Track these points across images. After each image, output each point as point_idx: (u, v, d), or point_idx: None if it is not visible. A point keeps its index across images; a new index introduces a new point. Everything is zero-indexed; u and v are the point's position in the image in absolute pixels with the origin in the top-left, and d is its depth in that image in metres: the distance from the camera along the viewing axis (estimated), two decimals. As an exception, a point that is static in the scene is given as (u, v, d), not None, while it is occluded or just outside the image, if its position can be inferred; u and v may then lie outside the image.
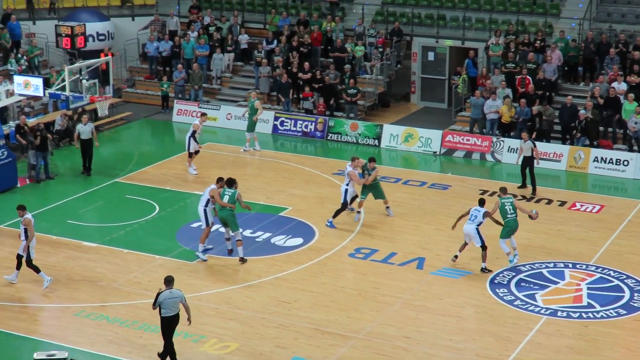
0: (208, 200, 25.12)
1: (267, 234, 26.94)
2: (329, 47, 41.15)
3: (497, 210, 24.59)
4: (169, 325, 19.42)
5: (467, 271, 24.46)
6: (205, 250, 25.49)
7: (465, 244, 24.85)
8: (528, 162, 30.77)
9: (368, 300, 22.87)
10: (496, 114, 35.07)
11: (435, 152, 35.01)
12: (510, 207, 24.54)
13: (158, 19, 44.65)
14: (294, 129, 37.38)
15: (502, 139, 34.39)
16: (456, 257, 25.02)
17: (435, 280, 24.00)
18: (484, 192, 30.58)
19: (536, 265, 24.92)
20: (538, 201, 29.92)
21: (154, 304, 19.19)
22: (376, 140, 36.07)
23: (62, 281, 23.82)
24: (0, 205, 29.40)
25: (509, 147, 33.88)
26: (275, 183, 31.56)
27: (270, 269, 24.58)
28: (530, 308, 22.47)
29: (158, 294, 19.18)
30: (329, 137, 36.85)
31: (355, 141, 36.35)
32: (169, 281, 19.39)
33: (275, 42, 41.39)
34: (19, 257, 23.30)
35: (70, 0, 45.98)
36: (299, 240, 26.53)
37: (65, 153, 34.34)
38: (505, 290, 23.36)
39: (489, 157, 34.34)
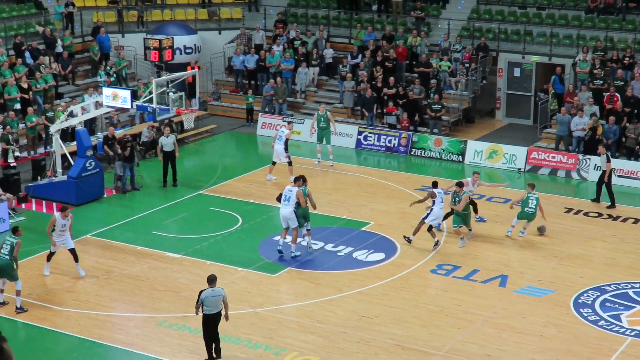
0: (296, 202, 25.74)
1: (349, 249, 26.91)
2: (414, 62, 41.07)
3: (514, 202, 27.95)
4: (209, 322, 19.97)
5: (551, 290, 24.15)
6: (295, 256, 26.19)
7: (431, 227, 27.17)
8: (603, 176, 30.79)
9: (449, 317, 22.70)
10: (583, 132, 34.64)
11: (519, 169, 34.67)
12: (534, 201, 27.38)
13: (244, 33, 45.03)
14: (378, 143, 37.35)
15: (589, 156, 33.91)
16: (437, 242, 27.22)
17: (518, 298, 23.74)
18: (569, 210, 30.25)
19: (622, 285, 24.50)
20: (625, 220, 29.45)
21: (197, 302, 19.81)
22: (460, 156, 35.87)
23: (146, 291, 24.08)
24: (88, 215, 29.84)
25: (595, 165, 33.38)
26: (358, 198, 31.55)
27: (352, 283, 24.54)
28: (614, 329, 22.09)
29: (200, 293, 19.80)
30: (412, 153, 36.74)
31: (439, 157, 36.19)
32: (211, 280, 19.96)
33: (360, 56, 41.45)
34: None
35: (159, 14, 46.61)
36: (381, 255, 26.44)
37: (151, 164, 34.75)
38: (590, 310, 23.01)
39: (574, 174, 33.90)
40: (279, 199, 26.58)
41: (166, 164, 32.58)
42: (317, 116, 35.27)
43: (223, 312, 20.11)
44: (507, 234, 27.61)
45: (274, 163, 32.85)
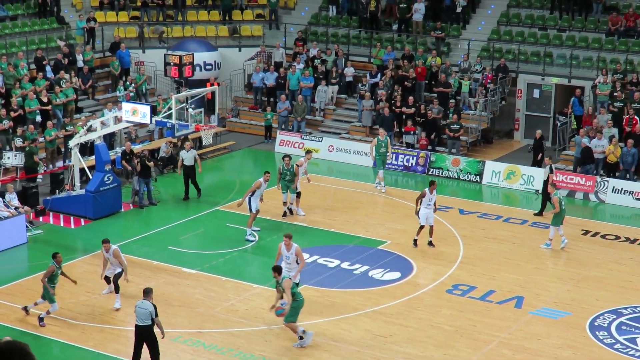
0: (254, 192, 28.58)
1: (365, 267, 26.87)
2: (433, 82, 41.10)
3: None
4: (137, 334, 20.13)
5: (567, 312, 24.05)
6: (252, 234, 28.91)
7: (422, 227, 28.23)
8: (544, 186, 31.75)
9: (464, 337, 22.62)
10: (602, 154, 34.56)
11: (537, 191, 34.54)
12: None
13: (264, 50, 45.18)
14: (395, 162, 37.33)
15: (607, 179, 33.84)
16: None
17: (533, 320, 23.64)
18: (586, 232, 30.15)
19: (638, 308, 24.37)
20: (633, 242, 29.40)
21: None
22: (478, 177, 35.83)
23: (161, 306, 23.87)
24: (105, 230, 29.91)
25: (614, 187, 33.32)
26: (375, 216, 31.53)
27: (367, 302, 24.50)
28: (630, 352, 21.95)
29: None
30: (430, 172, 36.71)
31: (456, 177, 36.16)
32: (145, 292, 20.17)
33: (379, 75, 41.50)
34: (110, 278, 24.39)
35: (180, 30, 46.82)
36: (397, 274, 26.40)
37: (169, 180, 34.84)
38: (605, 333, 22.89)
39: (592, 197, 33.80)
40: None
41: (186, 178, 32.79)
42: (376, 141, 34.55)
43: (156, 330, 20.21)
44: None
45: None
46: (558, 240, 28.55)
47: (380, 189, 34.47)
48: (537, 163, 35.11)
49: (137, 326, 20.06)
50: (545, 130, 40.64)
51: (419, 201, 28.21)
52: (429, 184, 28.56)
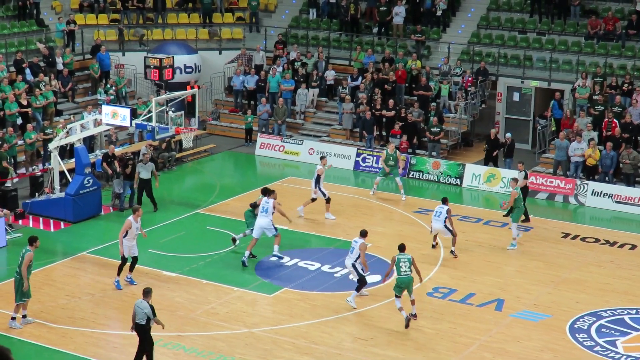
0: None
1: (345, 270, 26.78)
2: (414, 85, 41.14)
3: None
4: (138, 332, 20.29)
5: (547, 315, 24.11)
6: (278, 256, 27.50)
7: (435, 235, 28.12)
8: (523, 193, 31.09)
9: (445, 340, 22.64)
10: (581, 157, 34.68)
11: (517, 193, 34.66)
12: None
13: (244, 53, 45.14)
14: (376, 165, 37.31)
15: (586, 182, 33.97)
16: (435, 245, 28.28)
17: (514, 323, 23.69)
18: (566, 235, 30.24)
19: (618, 311, 24.47)
20: (621, 246, 29.45)
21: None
22: (458, 180, 35.90)
23: (141, 309, 24.01)
24: (84, 233, 29.83)
25: (593, 190, 33.47)
26: (355, 219, 31.52)
27: (348, 305, 24.45)
28: (610, 355, 22.03)
29: None
30: (410, 175, 36.76)
31: (436, 180, 36.22)
32: (145, 292, 20.26)
33: (360, 78, 41.53)
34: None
35: (160, 33, 46.73)
36: (377, 277, 26.34)
37: (149, 183, 34.73)
38: (585, 336, 22.97)
39: (572, 199, 33.93)
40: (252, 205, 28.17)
41: (141, 191, 31.85)
42: (385, 155, 34.11)
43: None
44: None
45: (312, 200, 31.51)
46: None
47: (401, 197, 33.91)
48: (493, 160, 35.98)
49: (137, 324, 20.19)
50: (525, 133, 40.82)
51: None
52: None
